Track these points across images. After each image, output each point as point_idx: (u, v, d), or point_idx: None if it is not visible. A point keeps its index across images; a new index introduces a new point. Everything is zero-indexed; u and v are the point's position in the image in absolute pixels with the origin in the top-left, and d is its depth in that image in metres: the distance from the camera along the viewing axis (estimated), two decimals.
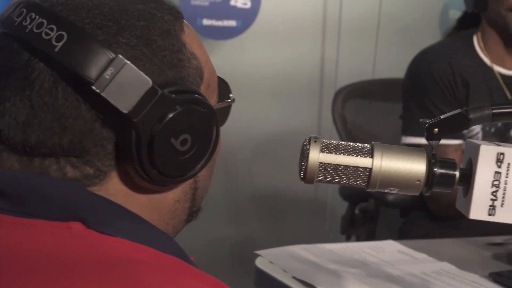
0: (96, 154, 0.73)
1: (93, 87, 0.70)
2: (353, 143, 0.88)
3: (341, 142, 0.87)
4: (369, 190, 0.88)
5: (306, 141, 0.86)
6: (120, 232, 0.71)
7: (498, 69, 1.98)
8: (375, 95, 2.47)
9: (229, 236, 3.16)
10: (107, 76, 0.70)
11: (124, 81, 0.71)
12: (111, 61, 0.70)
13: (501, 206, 0.87)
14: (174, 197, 0.80)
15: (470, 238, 1.74)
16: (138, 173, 0.74)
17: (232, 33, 2.92)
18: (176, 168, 0.76)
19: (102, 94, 0.70)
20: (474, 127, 1.86)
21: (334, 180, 0.87)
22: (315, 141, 0.86)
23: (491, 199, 0.86)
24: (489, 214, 0.87)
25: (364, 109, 2.45)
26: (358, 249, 1.57)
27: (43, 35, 0.71)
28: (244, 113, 3.05)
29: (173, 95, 0.73)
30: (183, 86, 0.75)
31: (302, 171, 0.86)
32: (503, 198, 0.86)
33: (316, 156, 0.85)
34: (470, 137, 1.95)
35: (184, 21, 0.81)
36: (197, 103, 0.76)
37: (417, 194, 0.89)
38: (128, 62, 0.71)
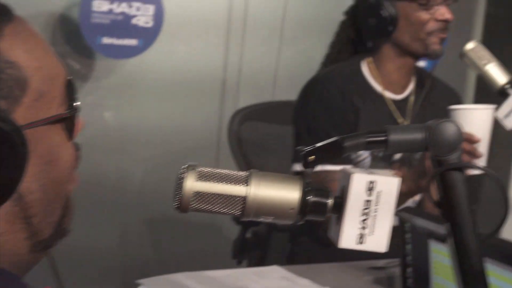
0: None
1: None
2: (231, 171, 0.87)
3: (218, 170, 0.87)
4: (244, 219, 0.88)
5: (182, 169, 0.85)
6: None
7: (389, 95, 2.03)
8: (272, 117, 2.47)
9: (121, 263, 3.10)
10: None
11: None
12: None
13: (370, 235, 0.88)
14: None
15: (353, 262, 1.76)
16: None
17: (133, 52, 2.88)
18: None
19: None
20: (362, 152, 1.90)
21: (210, 208, 0.86)
22: (192, 169, 0.85)
23: (361, 228, 0.87)
24: (358, 243, 0.88)
25: (261, 131, 2.45)
26: (242, 276, 1.57)
27: None
28: (140, 136, 3.02)
29: None
30: None
31: (177, 199, 0.85)
32: (372, 227, 0.87)
33: (191, 184, 0.84)
34: (359, 162, 1.98)
35: (15, 19, 0.75)
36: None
37: (291, 222, 0.89)
38: None
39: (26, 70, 0.73)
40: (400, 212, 1.45)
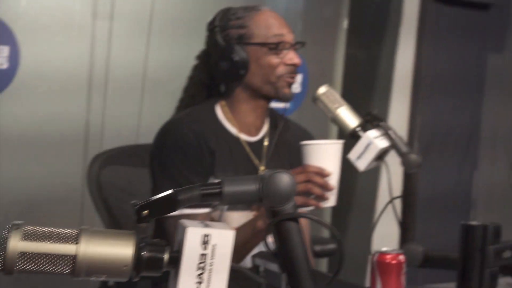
0: None
1: None
2: (60, 230, 0.85)
3: (46, 228, 0.84)
4: (75, 278, 0.85)
5: (6, 228, 0.82)
6: None
7: (244, 137, 2.04)
8: (136, 160, 2.43)
9: None
10: None
11: None
12: None
13: None
14: None
15: None
16: None
17: None
18: None
19: None
20: None
21: (38, 269, 0.83)
22: (16, 229, 0.82)
23: (197, 282, 0.86)
24: None
25: (123, 174, 2.41)
26: None
27: None
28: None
29: None
30: None
31: (1, 261, 0.81)
32: (208, 281, 0.87)
33: (15, 245, 0.81)
34: (216, 205, 1.98)
35: None
36: None
37: (125, 279, 0.87)
38: None
39: None
40: (254, 257, 1.45)
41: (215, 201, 0.91)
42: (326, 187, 1.74)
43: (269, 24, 1.97)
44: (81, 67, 3.06)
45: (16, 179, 2.95)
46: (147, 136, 3.02)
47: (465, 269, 1.46)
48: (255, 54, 1.96)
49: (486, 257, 1.43)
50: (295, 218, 0.90)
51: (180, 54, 3.25)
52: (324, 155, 1.76)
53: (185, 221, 0.89)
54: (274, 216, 0.90)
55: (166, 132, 2.01)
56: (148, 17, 3.18)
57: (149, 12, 3.18)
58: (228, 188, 0.90)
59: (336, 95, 1.94)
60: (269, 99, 2.03)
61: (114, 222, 2.25)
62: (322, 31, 3.73)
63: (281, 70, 1.97)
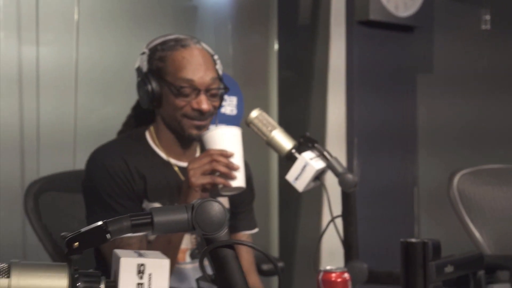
0: None
1: None
2: None
3: None
4: None
5: None
6: None
7: (175, 162, 2.04)
8: (71, 186, 2.41)
9: None
10: None
11: None
12: None
13: None
14: None
15: None
16: None
17: None
18: None
19: None
20: None
21: None
22: None
23: None
24: None
25: (59, 201, 2.39)
26: None
27: None
28: None
29: None
30: None
31: None
32: None
33: None
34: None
35: None
36: None
37: None
38: None
39: None
40: (198, 280, 1.44)
41: (146, 231, 0.91)
42: (230, 166, 1.82)
43: (183, 66, 1.95)
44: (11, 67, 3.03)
45: None
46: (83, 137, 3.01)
47: (409, 285, 1.48)
48: (166, 91, 1.97)
49: (428, 273, 1.45)
50: (230, 245, 0.90)
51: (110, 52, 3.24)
52: (223, 138, 1.87)
53: (119, 251, 0.89)
54: (208, 244, 0.90)
55: (95, 159, 2.00)
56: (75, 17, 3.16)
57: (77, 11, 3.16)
58: (159, 218, 0.89)
59: (269, 118, 1.96)
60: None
61: (56, 248, 2.23)
62: (254, 55, 3.77)
63: (186, 111, 1.96)
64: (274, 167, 3.78)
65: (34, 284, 0.83)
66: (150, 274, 0.87)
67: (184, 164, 2.03)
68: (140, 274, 0.86)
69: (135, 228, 0.89)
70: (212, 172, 1.82)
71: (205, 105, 1.94)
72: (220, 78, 2.02)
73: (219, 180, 1.82)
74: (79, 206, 2.28)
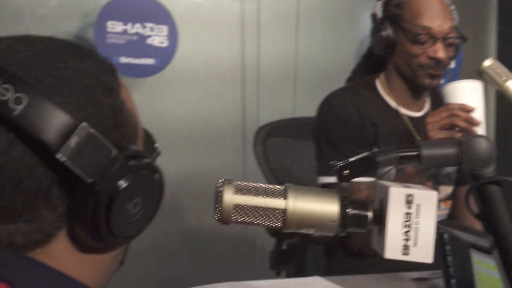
0: (46, 217, 0.73)
1: (58, 156, 0.69)
2: (267, 185, 0.90)
3: (254, 184, 0.89)
4: (286, 231, 0.90)
5: (219, 183, 0.87)
6: None
7: (404, 111, 2.04)
8: (295, 133, 2.51)
9: (157, 275, 3.14)
10: (71, 145, 0.70)
11: (89, 150, 0.71)
12: (74, 128, 0.70)
13: (414, 246, 0.90)
14: (113, 253, 0.81)
15: (394, 274, 1.77)
16: (90, 236, 0.74)
17: (150, 71, 2.94)
18: (128, 229, 0.77)
19: (66, 163, 0.70)
20: None
21: (250, 221, 0.88)
22: (229, 183, 0.87)
23: (404, 239, 0.89)
24: (404, 254, 0.90)
25: (285, 146, 2.49)
26: (285, 286, 1.59)
27: None
28: (165, 152, 3.03)
29: (130, 162, 0.75)
30: (136, 151, 0.77)
31: (218, 212, 0.87)
32: (415, 238, 0.89)
33: (229, 198, 0.87)
34: (383, 174, 1.99)
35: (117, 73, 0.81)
36: (148, 168, 0.78)
37: (332, 234, 0.91)
38: (92, 130, 0.71)
39: (136, 119, 0.81)
40: (439, 224, 1.45)
41: (412, 163, 0.93)
42: (471, 121, 1.75)
43: (421, 13, 1.93)
44: (234, 51, 3.16)
45: (184, 141, 3.10)
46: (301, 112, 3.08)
47: None
48: (401, 37, 1.95)
49: None
50: (497, 182, 0.90)
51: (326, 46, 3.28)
52: (464, 92, 1.80)
53: (385, 182, 0.92)
54: (474, 180, 0.91)
55: (329, 104, 2.05)
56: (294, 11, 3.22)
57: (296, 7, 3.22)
58: (427, 151, 0.91)
59: (503, 68, 1.89)
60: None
61: None
62: (473, 8, 3.62)
63: (422, 60, 1.94)
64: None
65: (308, 207, 0.89)
66: (418, 205, 0.89)
67: (413, 113, 2.03)
68: (408, 204, 0.89)
69: (402, 160, 0.92)
70: (451, 127, 1.77)
71: (441, 53, 1.91)
72: (457, 28, 1.98)
73: (458, 135, 1.77)
74: (302, 151, 2.37)
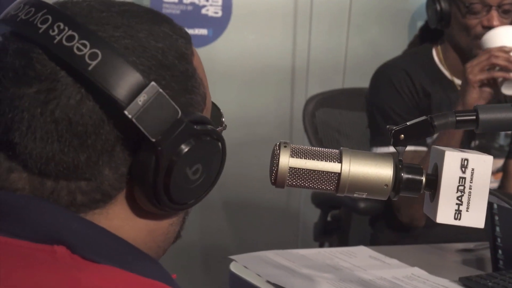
0: (108, 177, 0.73)
1: (125, 112, 0.70)
2: (322, 149, 0.90)
3: (310, 147, 0.89)
4: (338, 194, 0.90)
5: (276, 146, 0.88)
6: (105, 259, 0.71)
7: (459, 82, 2.02)
8: (345, 104, 2.50)
9: (201, 242, 3.17)
10: (140, 102, 0.70)
11: (156, 109, 0.71)
12: (144, 87, 0.71)
13: (467, 211, 0.89)
14: (169, 220, 0.81)
15: (440, 245, 1.77)
16: (149, 199, 0.74)
17: (203, 41, 2.95)
18: (186, 196, 0.77)
19: (134, 120, 0.70)
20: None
21: (304, 184, 0.89)
22: (285, 146, 0.88)
23: (457, 204, 0.88)
24: (455, 218, 0.89)
25: (334, 117, 2.48)
26: (330, 255, 1.60)
27: (75, 50, 0.70)
28: None
29: (195, 126, 0.75)
30: (202, 117, 0.77)
31: (273, 175, 0.88)
32: (468, 203, 0.88)
33: (286, 161, 0.87)
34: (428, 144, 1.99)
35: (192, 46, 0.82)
36: (212, 135, 0.77)
37: (385, 198, 0.91)
38: (161, 90, 0.72)
39: (205, 89, 0.81)
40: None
41: (470, 128, 0.92)
42: (510, 59, 1.78)
43: None
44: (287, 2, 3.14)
45: (231, 116, 3.11)
46: (352, 80, 3.06)
47: None
48: (456, 10, 1.94)
49: None
50: None
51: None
52: (502, 36, 1.83)
53: (439, 147, 0.91)
54: None
55: (381, 73, 2.05)
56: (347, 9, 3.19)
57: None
58: (485, 115, 0.90)
59: None
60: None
61: None
62: None
63: (477, 31, 1.92)
64: None
65: (362, 170, 0.89)
66: (472, 169, 0.89)
67: None
68: (463, 168, 0.89)
69: (459, 124, 0.91)
70: (491, 67, 1.79)
71: (496, 21, 1.90)
72: None
73: (498, 73, 1.79)
74: (351, 123, 2.37)
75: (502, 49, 1.80)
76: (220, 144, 0.79)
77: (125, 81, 0.70)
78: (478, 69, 1.79)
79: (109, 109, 0.71)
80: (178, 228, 0.84)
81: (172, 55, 0.76)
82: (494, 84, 1.81)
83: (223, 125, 0.89)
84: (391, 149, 1.91)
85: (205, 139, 0.76)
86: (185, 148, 0.74)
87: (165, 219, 0.80)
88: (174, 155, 0.73)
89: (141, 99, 0.71)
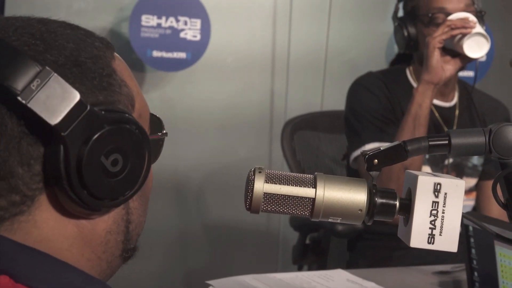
0: (21, 176, 0.71)
1: (19, 98, 0.68)
2: (297, 174, 0.90)
3: (285, 172, 0.90)
4: (313, 219, 0.90)
5: (251, 172, 0.88)
6: (46, 285, 0.70)
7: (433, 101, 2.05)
8: (323, 126, 2.52)
9: (180, 267, 3.16)
10: (33, 87, 0.69)
11: (51, 93, 0.69)
12: (38, 73, 0.69)
13: (440, 235, 0.90)
14: (105, 227, 0.77)
15: (417, 267, 1.77)
16: (66, 194, 0.71)
17: (182, 65, 2.96)
18: (107, 190, 0.74)
19: (28, 105, 0.68)
20: None
21: (279, 209, 0.89)
22: (260, 172, 0.88)
23: (430, 228, 0.89)
24: (429, 243, 0.90)
25: (312, 140, 2.50)
26: (307, 278, 1.60)
27: None
28: (194, 144, 3.07)
29: (103, 112, 0.72)
30: (113, 107, 0.75)
31: (248, 201, 0.88)
32: (441, 227, 0.89)
33: (260, 186, 0.87)
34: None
35: (115, 53, 0.81)
36: (127, 123, 0.74)
37: (359, 223, 0.91)
38: (55, 74, 0.70)
39: (133, 91, 0.79)
40: (463, 217, 1.45)
41: (442, 152, 0.93)
42: (465, 21, 1.87)
43: None
44: (264, 45, 3.17)
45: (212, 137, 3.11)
46: (330, 104, 3.09)
47: None
48: (421, 28, 1.98)
49: None
50: None
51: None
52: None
53: (412, 171, 0.92)
54: (503, 169, 0.91)
55: (357, 84, 2.10)
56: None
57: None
58: (457, 140, 0.91)
59: None
60: None
61: None
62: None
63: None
64: None
65: (336, 195, 0.89)
66: (445, 194, 0.90)
67: (440, 103, 2.04)
68: (436, 193, 0.89)
69: (432, 148, 0.92)
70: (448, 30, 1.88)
71: None
72: (474, 3, 1.98)
73: (456, 31, 1.86)
74: (330, 145, 2.38)
75: (458, 17, 1.89)
76: (140, 134, 0.75)
77: (17, 70, 0.69)
78: (438, 33, 1.86)
79: (7, 101, 0.70)
80: (121, 238, 0.79)
81: (84, 56, 0.75)
82: (457, 51, 1.87)
83: (163, 131, 0.87)
84: (368, 146, 1.94)
85: (120, 126, 0.74)
86: (94, 134, 0.71)
87: (96, 223, 0.76)
88: (81, 143, 0.71)
89: (35, 84, 0.69)
